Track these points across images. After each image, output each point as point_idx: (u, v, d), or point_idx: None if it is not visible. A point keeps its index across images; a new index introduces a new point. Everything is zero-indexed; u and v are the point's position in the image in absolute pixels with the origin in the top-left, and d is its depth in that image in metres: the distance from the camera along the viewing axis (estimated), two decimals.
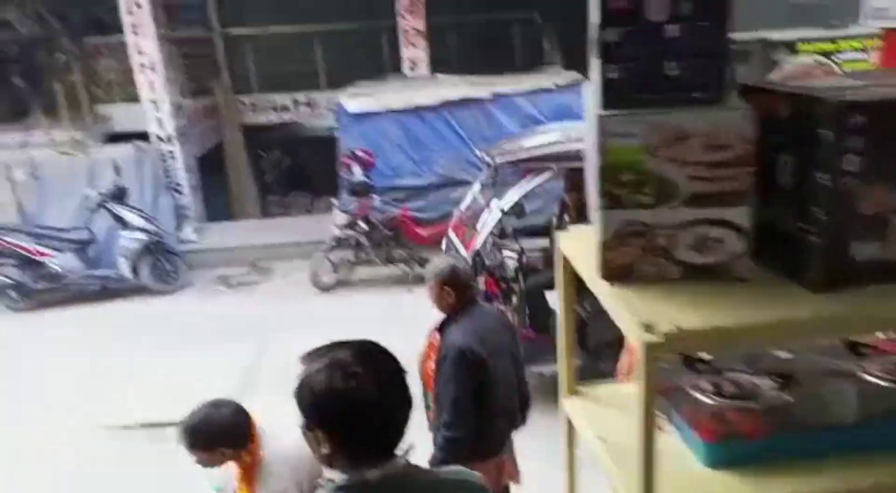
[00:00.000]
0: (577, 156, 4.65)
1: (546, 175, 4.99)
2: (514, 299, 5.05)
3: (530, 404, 3.26)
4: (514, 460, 3.20)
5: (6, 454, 4.92)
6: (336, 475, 1.35)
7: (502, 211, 5.04)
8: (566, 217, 5.18)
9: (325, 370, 1.31)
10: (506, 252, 5.23)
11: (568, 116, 7.60)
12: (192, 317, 7.12)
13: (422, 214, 7.66)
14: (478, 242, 5.08)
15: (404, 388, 1.38)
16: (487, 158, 5.27)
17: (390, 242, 7.53)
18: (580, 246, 1.51)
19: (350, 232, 7.45)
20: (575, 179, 5.01)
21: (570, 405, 1.71)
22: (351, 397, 1.29)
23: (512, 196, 5.07)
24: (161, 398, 5.06)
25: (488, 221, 5.09)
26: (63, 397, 5.64)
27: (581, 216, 4.95)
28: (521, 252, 5.16)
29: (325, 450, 1.33)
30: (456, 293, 2.98)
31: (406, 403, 1.39)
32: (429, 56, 9.81)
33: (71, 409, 5.42)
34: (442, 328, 3.05)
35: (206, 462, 2.46)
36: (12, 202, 8.50)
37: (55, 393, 5.73)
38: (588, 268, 1.41)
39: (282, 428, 2.42)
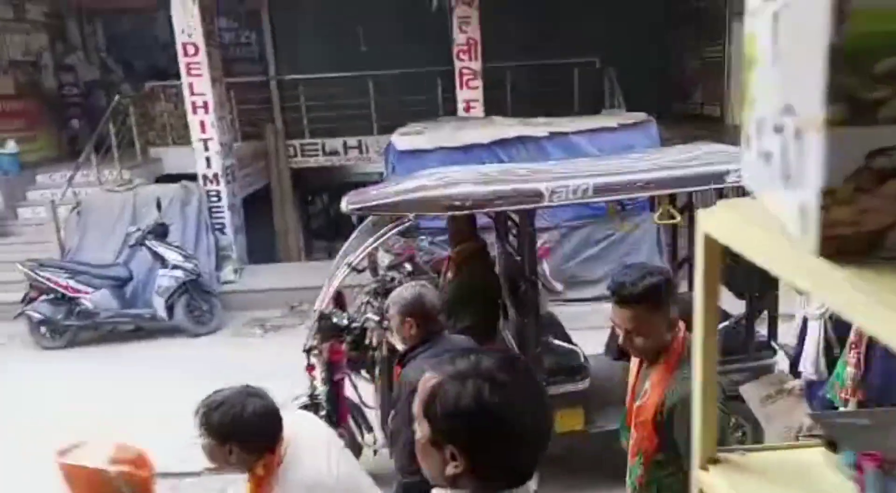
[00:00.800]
0: (450, 204, 3.67)
1: (402, 226, 4.11)
2: (376, 370, 4.39)
3: None
4: None
5: None
6: None
7: (349, 267, 4.26)
8: (450, 276, 4.49)
9: (472, 381, 1.14)
10: (369, 315, 4.45)
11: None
12: (223, 360, 6.68)
13: None
14: (321, 302, 4.24)
15: (547, 405, 1.24)
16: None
17: (436, 286, 6.95)
18: (744, 218, 0.97)
19: (394, 273, 6.92)
20: (457, 231, 4.39)
21: (711, 483, 1.13)
22: (500, 413, 1.14)
23: (362, 250, 4.26)
24: (183, 446, 4.60)
25: (335, 278, 4.29)
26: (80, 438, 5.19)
27: (459, 273, 4.29)
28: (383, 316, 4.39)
29: (452, 469, 1.16)
30: (419, 326, 2.77)
31: (549, 421, 1.24)
32: (484, 98, 9.47)
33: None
34: (402, 363, 2.83)
35: (211, 455, 2.03)
36: (55, 239, 8.35)
37: (74, 434, 5.28)
38: (774, 245, 0.85)
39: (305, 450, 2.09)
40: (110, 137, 9.52)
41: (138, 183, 9.17)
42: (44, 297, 7.27)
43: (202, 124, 9.03)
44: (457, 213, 3.82)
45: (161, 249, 7.52)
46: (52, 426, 5.47)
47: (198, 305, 7.59)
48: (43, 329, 7.32)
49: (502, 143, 7.74)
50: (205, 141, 9.06)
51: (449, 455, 1.16)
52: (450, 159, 7.67)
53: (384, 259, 7.13)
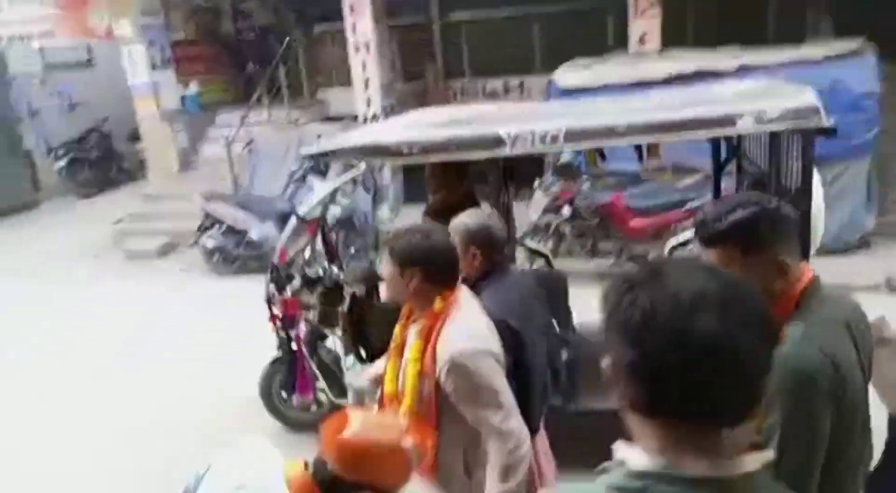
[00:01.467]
0: (397, 151, 3.18)
1: (352, 173, 3.74)
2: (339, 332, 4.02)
3: (561, 378, 3.08)
4: (544, 437, 2.72)
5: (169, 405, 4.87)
6: (635, 457, 0.90)
7: (297, 217, 3.91)
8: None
9: (649, 291, 0.88)
10: (333, 268, 4.08)
11: (839, 94, 5.95)
12: None
13: (638, 202, 6.41)
14: (275, 255, 4.00)
15: (764, 329, 0.86)
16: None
17: (597, 233, 6.40)
18: None
19: (550, 217, 6.46)
20: (432, 180, 3.79)
21: None
22: (682, 333, 0.84)
23: (312, 200, 3.98)
24: None
25: (285, 231, 3.96)
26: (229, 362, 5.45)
27: (438, 219, 3.39)
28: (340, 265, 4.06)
29: (623, 397, 0.93)
30: (484, 256, 2.54)
31: (764, 353, 0.87)
32: (662, 29, 8.48)
33: (222, 376, 5.22)
34: None
35: (391, 284, 2.11)
36: (229, 174, 8.83)
37: (242, 346, 5.54)
38: None
39: None
40: (281, 79, 9.84)
41: (303, 122, 9.42)
42: (216, 227, 7.71)
43: (363, 64, 9.02)
44: (406, 161, 3.32)
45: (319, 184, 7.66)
46: (225, 342, 5.82)
47: (353, 240, 7.69)
48: (215, 257, 7.80)
49: (680, 79, 6.87)
50: (365, 81, 9.05)
51: (624, 390, 0.92)
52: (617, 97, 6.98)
53: (540, 201, 6.68)
